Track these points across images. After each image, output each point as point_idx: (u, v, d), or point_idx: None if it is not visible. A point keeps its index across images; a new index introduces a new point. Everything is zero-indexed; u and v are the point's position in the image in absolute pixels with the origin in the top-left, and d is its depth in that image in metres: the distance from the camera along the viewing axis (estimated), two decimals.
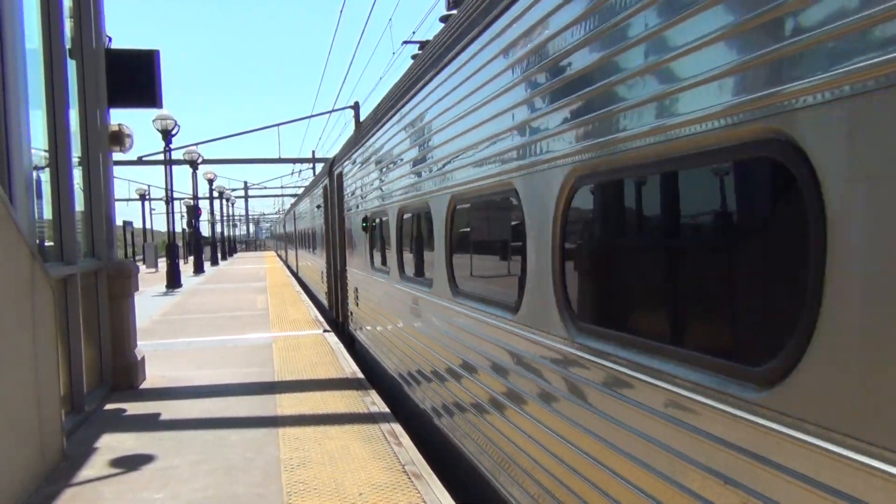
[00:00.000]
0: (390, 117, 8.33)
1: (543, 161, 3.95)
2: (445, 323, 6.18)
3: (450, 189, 5.85)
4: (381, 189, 9.22)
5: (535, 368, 4.21)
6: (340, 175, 13.62)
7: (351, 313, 13.02)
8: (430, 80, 6.41)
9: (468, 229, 5.89)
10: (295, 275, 34.59)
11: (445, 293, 6.11)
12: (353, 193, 12.11)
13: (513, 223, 4.72)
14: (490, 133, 4.83)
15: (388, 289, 8.93)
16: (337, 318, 14.95)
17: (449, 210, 5.93)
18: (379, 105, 9.46)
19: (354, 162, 11.71)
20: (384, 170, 9.01)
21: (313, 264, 22.40)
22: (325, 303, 17.60)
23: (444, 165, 6.05)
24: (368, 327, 11.01)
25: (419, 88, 6.83)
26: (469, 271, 5.74)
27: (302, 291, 23.38)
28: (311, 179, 31.50)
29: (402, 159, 7.83)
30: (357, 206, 11.51)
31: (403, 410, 8.06)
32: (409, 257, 7.89)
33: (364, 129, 10.72)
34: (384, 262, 9.28)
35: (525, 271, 4.35)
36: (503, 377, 4.77)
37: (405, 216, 7.87)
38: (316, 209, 20.06)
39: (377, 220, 9.66)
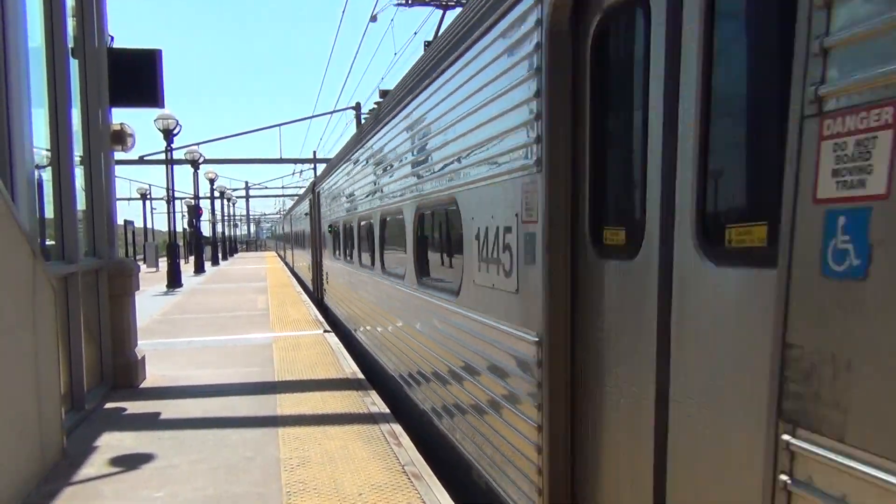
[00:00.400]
0: (339, 164, 13.89)
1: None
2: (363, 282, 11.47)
3: (357, 213, 11.58)
4: (335, 208, 15.12)
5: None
6: (319, 193, 19.43)
7: (325, 289, 19.07)
8: (345, 161, 12.75)
9: (359, 235, 11.73)
10: (291, 269, 38.69)
11: (351, 264, 12.70)
12: (325, 207, 17.82)
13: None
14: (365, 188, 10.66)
15: (340, 267, 14.72)
16: (317, 293, 21.52)
17: (358, 223, 11.75)
18: (336, 155, 15.32)
19: (324, 187, 17.79)
20: (336, 195, 14.82)
21: (304, 260, 29.25)
22: (311, 286, 24.12)
23: (358, 200, 11.44)
24: (331, 292, 17.21)
25: (342, 162, 13.19)
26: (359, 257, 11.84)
27: (302, 292, 23.40)
28: (310, 180, 32.05)
29: (342, 192, 13.52)
30: (326, 217, 17.35)
31: (337, 323, 15.39)
32: (346, 249, 13.72)
33: (329, 166, 17.03)
34: (337, 253, 15.23)
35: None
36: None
37: (346, 225, 13.33)
38: (304, 216, 27.07)
39: (337, 227, 15.06)
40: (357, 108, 31.22)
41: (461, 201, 5.37)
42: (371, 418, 7.42)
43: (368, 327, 10.79)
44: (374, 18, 20.14)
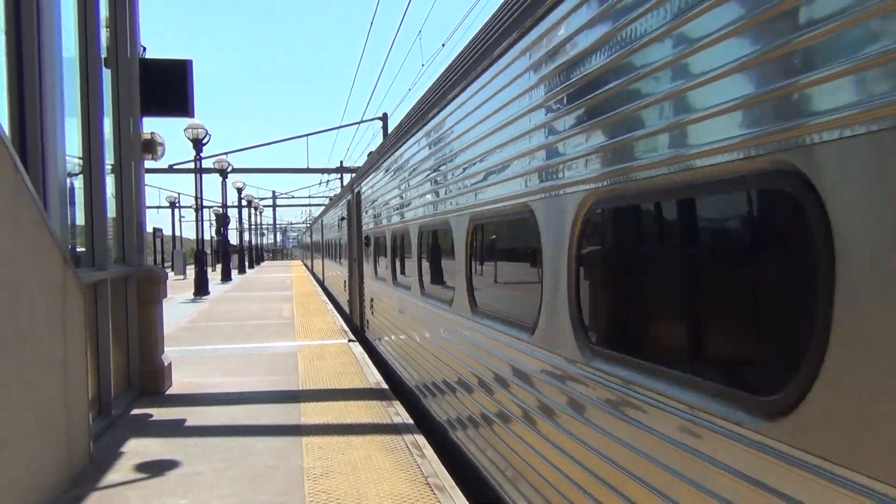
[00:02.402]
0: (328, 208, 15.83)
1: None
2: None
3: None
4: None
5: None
6: (318, 227, 20.67)
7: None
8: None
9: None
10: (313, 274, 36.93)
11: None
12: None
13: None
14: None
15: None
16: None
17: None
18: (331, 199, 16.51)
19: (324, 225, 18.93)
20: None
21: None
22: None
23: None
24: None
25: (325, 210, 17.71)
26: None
27: (328, 301, 23.48)
28: (338, 191, 32.14)
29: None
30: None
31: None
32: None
33: (317, 217, 18.42)
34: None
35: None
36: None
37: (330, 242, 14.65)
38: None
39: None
40: (384, 118, 31.33)
41: None
42: (394, 429, 7.39)
43: None
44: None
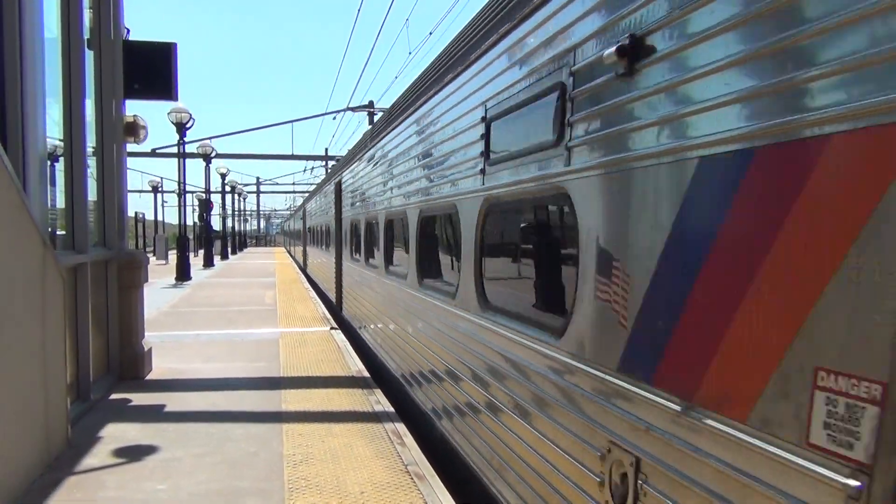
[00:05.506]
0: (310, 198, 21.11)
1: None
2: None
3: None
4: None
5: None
6: (304, 212, 24.40)
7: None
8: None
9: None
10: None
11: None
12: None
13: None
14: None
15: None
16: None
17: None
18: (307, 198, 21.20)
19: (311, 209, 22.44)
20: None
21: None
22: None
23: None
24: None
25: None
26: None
27: (310, 288, 23.43)
28: (323, 177, 32.20)
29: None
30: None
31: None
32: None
33: (305, 202, 23.36)
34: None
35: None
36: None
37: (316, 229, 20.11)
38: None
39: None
40: (370, 105, 31.24)
41: None
42: (375, 417, 7.41)
43: None
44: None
